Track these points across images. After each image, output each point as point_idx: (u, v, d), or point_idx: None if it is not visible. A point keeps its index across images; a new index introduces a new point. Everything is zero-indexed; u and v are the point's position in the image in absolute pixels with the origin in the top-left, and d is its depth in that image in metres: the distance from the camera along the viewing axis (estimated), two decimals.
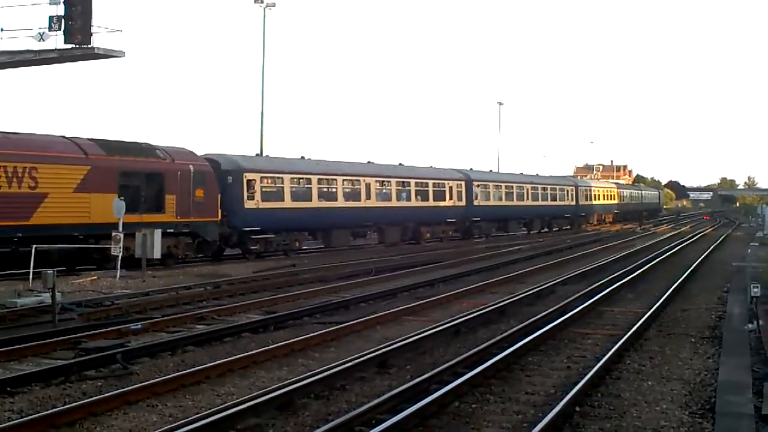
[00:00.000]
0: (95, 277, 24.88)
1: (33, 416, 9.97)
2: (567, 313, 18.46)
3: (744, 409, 10.97)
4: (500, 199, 55.84)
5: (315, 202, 37.76)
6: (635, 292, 23.93)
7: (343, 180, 40.18)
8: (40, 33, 29.00)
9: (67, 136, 27.94)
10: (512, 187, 57.83)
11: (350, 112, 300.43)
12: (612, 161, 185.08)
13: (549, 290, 23.66)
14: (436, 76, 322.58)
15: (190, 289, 22.89)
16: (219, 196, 31.90)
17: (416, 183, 46.43)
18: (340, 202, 39.63)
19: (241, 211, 33.42)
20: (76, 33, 28.32)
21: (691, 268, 30.18)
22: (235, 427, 9.84)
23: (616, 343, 15.11)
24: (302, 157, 40.25)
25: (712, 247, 43.59)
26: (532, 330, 16.23)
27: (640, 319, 17.93)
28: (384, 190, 43.48)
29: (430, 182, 47.94)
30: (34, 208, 25.39)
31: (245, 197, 33.66)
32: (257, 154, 38.22)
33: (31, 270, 22.95)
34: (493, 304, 19.96)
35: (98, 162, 27.32)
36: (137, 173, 29.10)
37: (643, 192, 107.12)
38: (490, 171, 60.46)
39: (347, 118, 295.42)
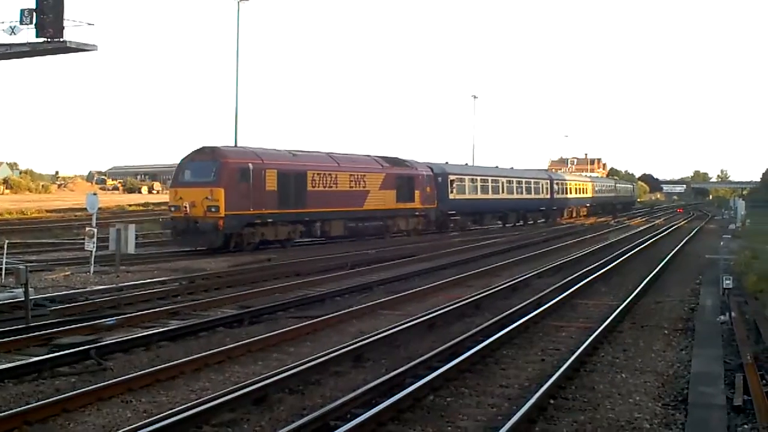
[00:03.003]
0: (68, 273, 24.71)
1: (5, 413, 9.89)
2: (542, 306, 18.53)
3: (716, 400, 11.10)
4: (567, 193, 73.75)
5: (479, 195, 54.76)
6: (609, 284, 24.05)
7: (491, 180, 57.44)
8: (11, 26, 28.76)
9: (369, 154, 44.58)
10: (572, 183, 77.03)
11: (326, 103, 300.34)
12: (586, 154, 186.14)
13: (524, 283, 23.72)
14: (411, 68, 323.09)
15: (165, 284, 22.75)
16: (436, 191, 48.07)
17: (525, 181, 63.47)
18: (490, 195, 56.57)
19: (447, 200, 49.93)
20: (48, 26, 28.09)
21: (665, 260, 30.38)
22: (209, 423, 9.82)
23: (590, 335, 15.19)
24: (466, 164, 60.83)
25: (685, 240, 43.90)
26: (507, 323, 16.29)
27: (614, 311, 18.03)
28: (510, 187, 60.13)
29: (532, 181, 65.16)
30: (364, 199, 41.25)
31: (449, 191, 50.11)
32: (446, 162, 54.65)
33: (3, 265, 22.81)
34: (469, 298, 20.01)
35: (387, 171, 43.60)
36: (402, 177, 44.90)
37: (618, 185, 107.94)
38: (560, 171, 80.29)
39: (320, 109, 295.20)
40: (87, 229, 25.14)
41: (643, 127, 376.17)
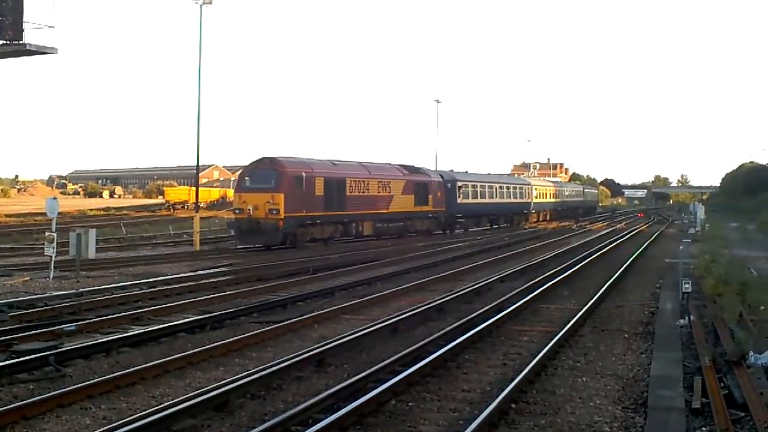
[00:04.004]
0: (28, 278, 24.43)
1: None
2: (504, 311, 18.63)
3: (675, 403, 11.21)
4: (544, 197, 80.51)
5: (479, 200, 60.58)
6: (571, 289, 24.21)
7: (488, 186, 63.28)
8: None
9: (392, 163, 50.45)
10: (548, 188, 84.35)
11: (287, 109, 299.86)
12: (549, 159, 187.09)
13: (487, 287, 23.82)
14: (375, 73, 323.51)
15: (126, 289, 22.55)
16: (445, 196, 53.14)
17: (513, 187, 70.24)
18: (487, 200, 62.41)
19: (455, 204, 55.33)
20: (7, 29, 27.68)
21: (626, 264, 30.65)
22: (170, 429, 9.75)
23: (552, 339, 15.31)
24: (466, 171, 68.27)
25: (645, 244, 44.26)
26: (469, 327, 16.33)
27: (575, 315, 18.18)
28: (501, 192, 65.96)
29: (518, 186, 72.05)
30: (389, 203, 46.56)
31: (457, 196, 55.48)
32: (451, 170, 62.14)
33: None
34: (432, 302, 20.04)
35: (407, 178, 48.97)
36: (419, 183, 50.19)
37: (585, 190, 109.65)
38: (523, 176, 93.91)
39: (281, 114, 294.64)
40: (47, 234, 24.89)
41: (605, 132, 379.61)
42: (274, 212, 37.12)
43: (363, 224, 43.97)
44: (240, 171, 40.42)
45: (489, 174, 71.43)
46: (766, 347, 13.84)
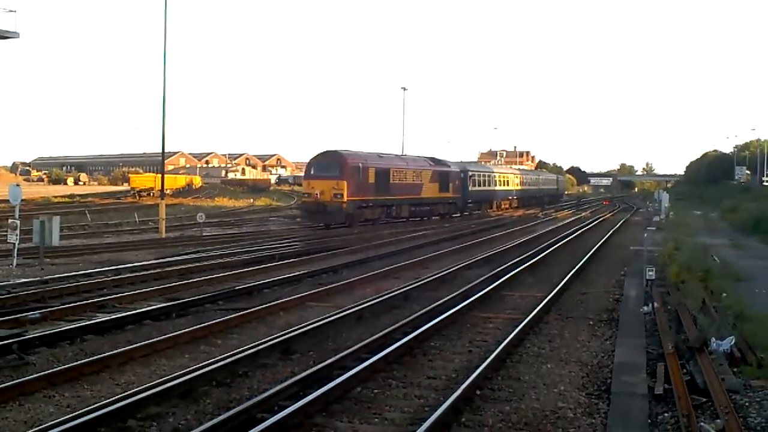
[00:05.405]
0: None
1: None
2: (469, 298, 18.68)
3: (638, 389, 11.33)
4: (526, 185, 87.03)
5: (487, 187, 69.96)
6: (536, 276, 24.32)
7: (488, 175, 71.97)
8: None
9: (421, 156, 58.14)
10: (528, 177, 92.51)
11: (253, 99, 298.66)
12: (515, 147, 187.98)
13: (453, 275, 23.86)
14: (341, 61, 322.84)
15: (91, 276, 22.35)
16: (461, 184, 60.76)
17: (505, 176, 78.75)
18: (488, 187, 70.52)
19: (467, 191, 63.00)
20: None
21: (591, 252, 30.85)
22: (135, 416, 9.71)
23: (517, 326, 15.38)
24: (470, 162, 77.32)
25: (610, 232, 44.55)
26: (434, 315, 16.38)
27: (541, 303, 18.28)
28: (495, 180, 73.70)
29: (509, 175, 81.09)
30: (420, 190, 53.61)
31: (469, 185, 63.56)
32: (460, 161, 72.38)
33: None
34: (397, 290, 20.07)
35: (433, 168, 56.42)
36: (442, 173, 57.44)
37: (556, 178, 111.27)
38: (489, 164, 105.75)
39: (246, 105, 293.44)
40: (9, 221, 24.62)
41: (572, 120, 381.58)
42: (339, 196, 44.05)
43: (401, 207, 51.13)
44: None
45: (487, 164, 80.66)
46: (727, 334, 14.01)
